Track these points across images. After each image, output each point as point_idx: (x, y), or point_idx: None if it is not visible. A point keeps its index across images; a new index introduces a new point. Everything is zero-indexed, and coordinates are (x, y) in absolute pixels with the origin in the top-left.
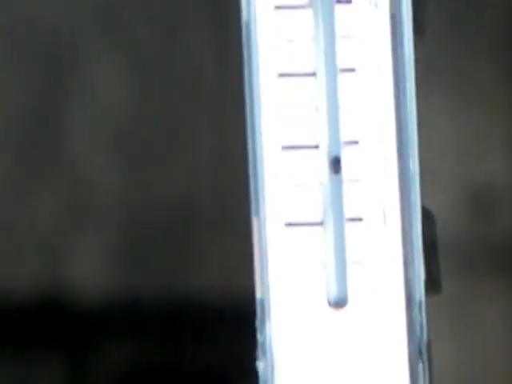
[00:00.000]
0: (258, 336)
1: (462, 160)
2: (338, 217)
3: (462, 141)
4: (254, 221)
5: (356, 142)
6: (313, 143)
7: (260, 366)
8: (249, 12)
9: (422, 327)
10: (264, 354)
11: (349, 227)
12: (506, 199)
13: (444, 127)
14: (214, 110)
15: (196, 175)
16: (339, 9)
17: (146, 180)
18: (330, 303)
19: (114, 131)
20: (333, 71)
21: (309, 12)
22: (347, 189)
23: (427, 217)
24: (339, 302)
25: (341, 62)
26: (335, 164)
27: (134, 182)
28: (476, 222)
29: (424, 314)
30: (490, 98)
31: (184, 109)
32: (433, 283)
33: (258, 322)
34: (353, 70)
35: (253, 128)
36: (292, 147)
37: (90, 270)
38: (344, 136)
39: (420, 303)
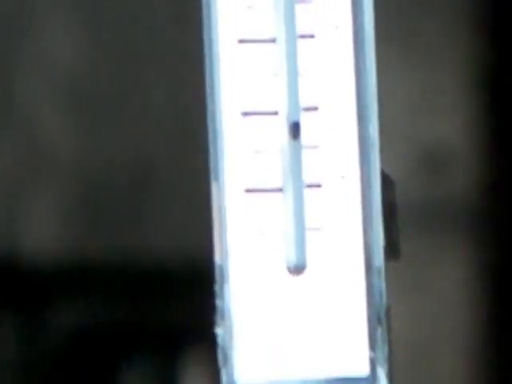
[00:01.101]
0: (217, 301)
1: (415, 123)
2: (298, 183)
3: (415, 104)
4: (214, 186)
5: (315, 108)
6: (272, 109)
7: (219, 331)
8: None
9: (381, 293)
10: (223, 319)
11: (308, 193)
12: (461, 161)
13: (397, 90)
14: (170, 71)
15: (152, 135)
16: None
17: (102, 139)
18: (289, 269)
19: (69, 90)
20: (292, 37)
21: None
22: (306, 155)
23: (386, 182)
24: (298, 268)
25: (300, 28)
26: (294, 129)
27: (89, 140)
28: (431, 184)
29: (383, 280)
30: (445, 62)
31: (140, 68)
32: (392, 249)
33: (216, 288)
34: (312, 36)
35: (212, 94)
36: (252, 113)
37: (44, 229)
38: (303, 102)
39: (379, 269)
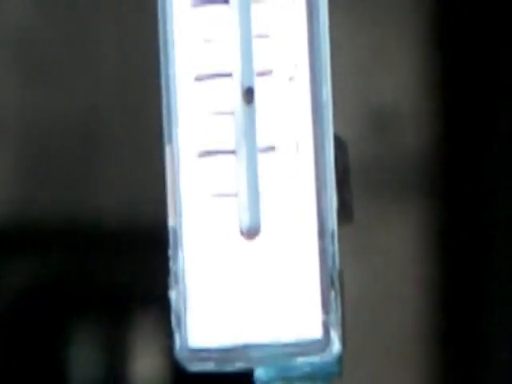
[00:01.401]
0: (171, 265)
1: (364, 84)
2: (251, 146)
3: (363, 65)
4: (167, 149)
5: (269, 73)
6: (226, 72)
7: (172, 294)
8: None
9: (334, 257)
10: (176, 282)
11: (261, 156)
12: (411, 121)
13: (345, 51)
14: (122, 30)
15: (103, 93)
16: None
17: (51, 97)
18: (242, 232)
19: (17, 48)
20: (246, 1)
21: None
22: (260, 118)
23: (340, 146)
24: (252, 231)
25: None
26: (248, 94)
27: (35, 97)
28: (381, 145)
29: (336, 244)
30: (393, 21)
31: (90, 25)
32: (345, 212)
33: (170, 251)
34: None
35: (166, 57)
36: (205, 76)
37: None
38: (257, 66)
39: (332, 233)
